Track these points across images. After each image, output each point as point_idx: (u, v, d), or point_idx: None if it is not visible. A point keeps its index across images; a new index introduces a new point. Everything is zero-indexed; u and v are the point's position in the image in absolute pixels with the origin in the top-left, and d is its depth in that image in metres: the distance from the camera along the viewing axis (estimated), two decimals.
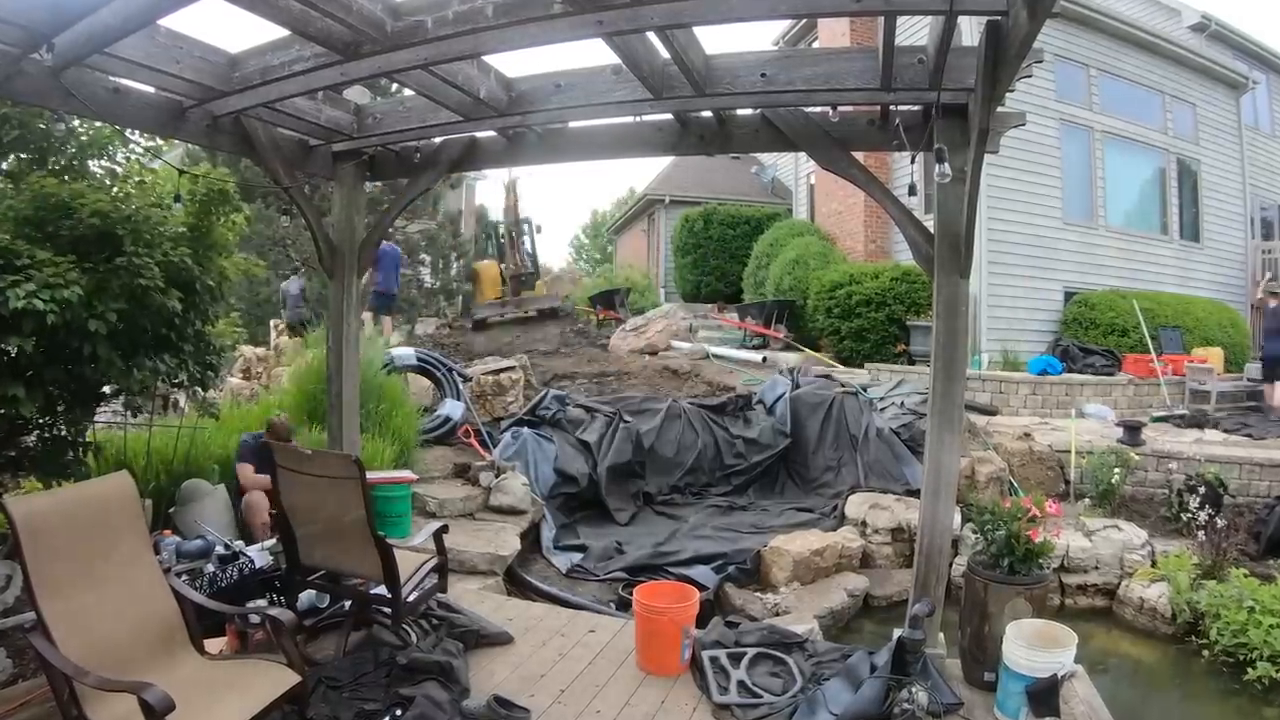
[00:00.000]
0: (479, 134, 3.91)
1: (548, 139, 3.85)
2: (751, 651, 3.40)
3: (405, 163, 4.19)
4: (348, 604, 3.46)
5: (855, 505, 6.40)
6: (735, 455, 7.67)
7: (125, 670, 2.39)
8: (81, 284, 2.93)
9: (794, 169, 16.09)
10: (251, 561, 3.43)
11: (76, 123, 3.58)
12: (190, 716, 2.23)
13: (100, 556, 2.56)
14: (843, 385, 8.24)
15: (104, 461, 3.81)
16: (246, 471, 4.40)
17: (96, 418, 3.84)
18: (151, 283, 3.16)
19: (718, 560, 5.58)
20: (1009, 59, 2.37)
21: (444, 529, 3.67)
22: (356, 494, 3.02)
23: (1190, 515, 5.87)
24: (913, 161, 3.21)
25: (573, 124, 3.81)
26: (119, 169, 3.79)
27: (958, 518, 5.60)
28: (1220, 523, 5.58)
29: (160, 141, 3.71)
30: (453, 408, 7.18)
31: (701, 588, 4.82)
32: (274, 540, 3.53)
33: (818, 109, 3.36)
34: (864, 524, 6.14)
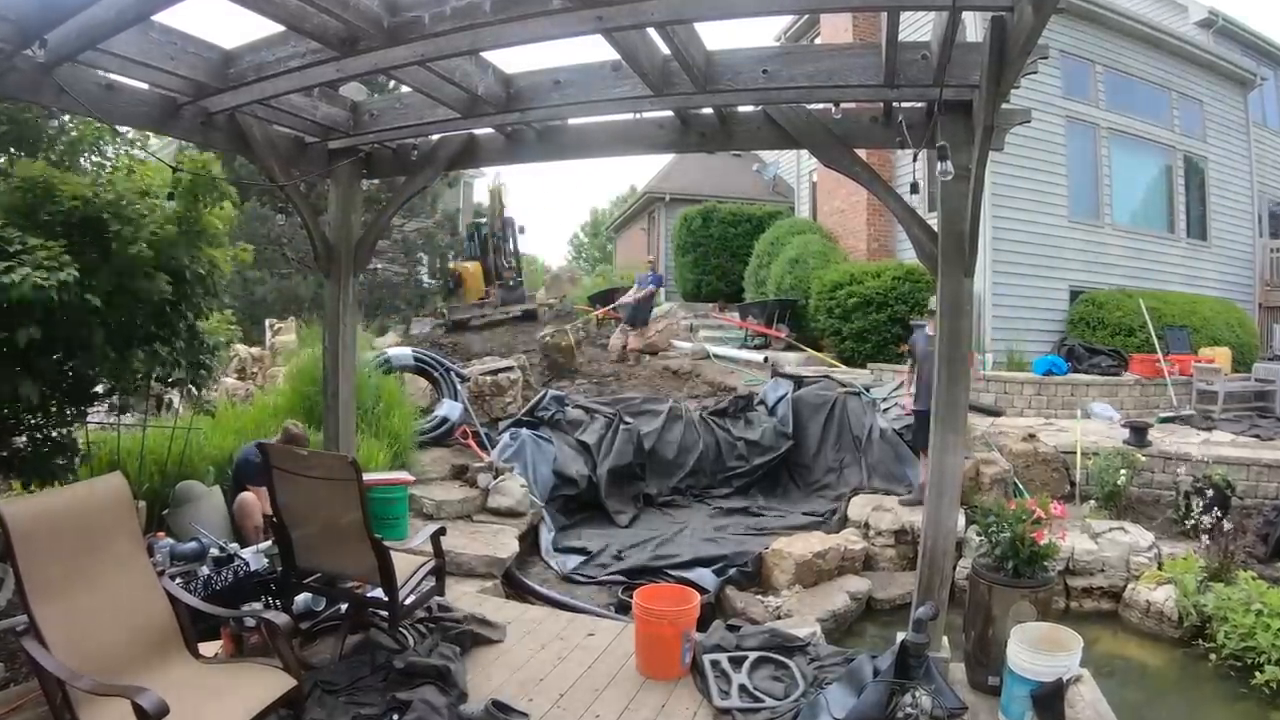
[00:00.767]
0: (477, 131, 3.88)
1: (547, 136, 3.82)
2: (753, 655, 3.38)
3: (402, 160, 4.16)
4: (344, 607, 3.44)
5: (858, 507, 6.36)
6: (737, 457, 7.63)
7: (119, 674, 2.37)
8: (75, 266, 2.91)
9: (796, 166, 16.03)
10: (246, 564, 3.41)
11: (67, 118, 3.55)
12: None
13: (93, 559, 2.54)
14: (843, 385, 8.19)
15: (97, 463, 3.79)
16: (262, 495, 3.89)
17: (89, 418, 3.80)
18: (139, 252, 3.11)
19: (719, 563, 5.55)
20: (1013, 55, 2.35)
21: (441, 531, 3.64)
22: (353, 496, 2.99)
23: (1197, 517, 5.81)
24: (915, 159, 3.18)
25: (572, 121, 3.78)
26: (108, 164, 3.76)
27: (962, 520, 5.56)
28: (1227, 525, 5.54)
29: (154, 138, 3.68)
30: (450, 408, 7.15)
31: (702, 591, 4.78)
32: (269, 543, 3.50)
33: (820, 106, 3.33)
34: (867, 526, 6.10)
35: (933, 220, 3.22)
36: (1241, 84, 12.74)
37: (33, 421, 3.34)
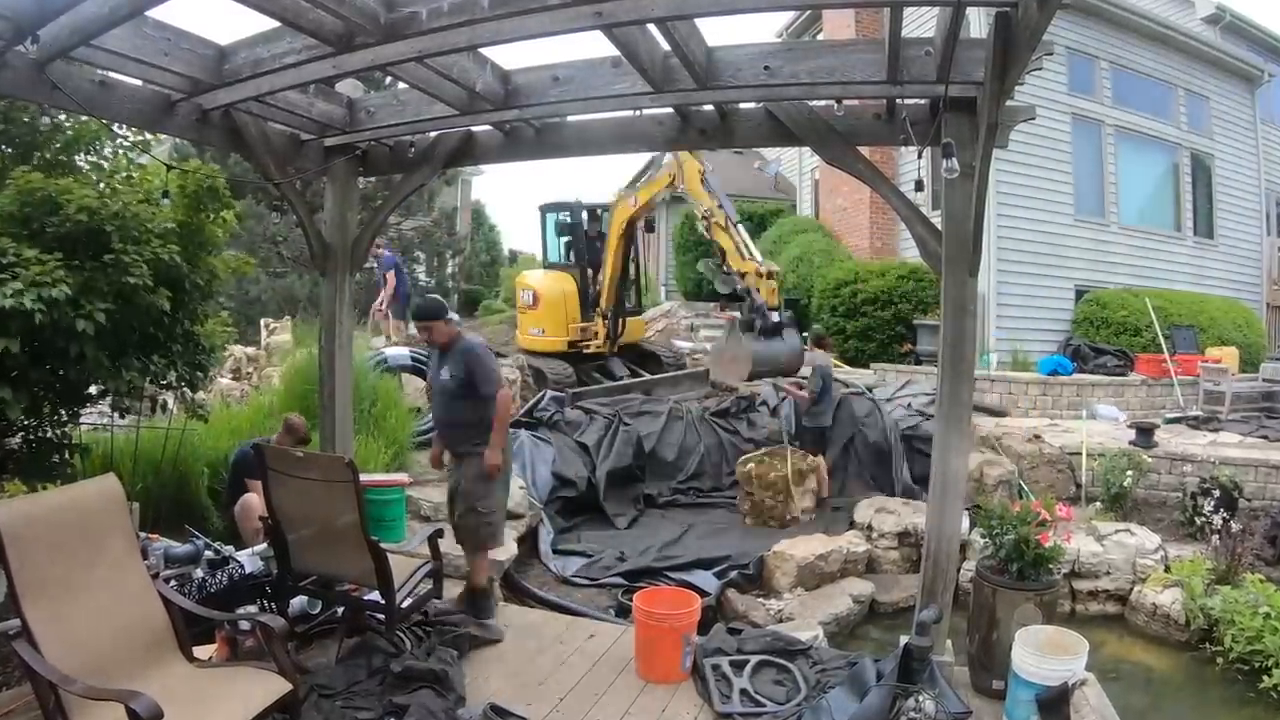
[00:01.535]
0: (475, 128, 3.85)
1: (545, 133, 3.79)
2: (754, 659, 3.35)
3: (399, 158, 4.13)
4: (340, 610, 3.41)
5: (861, 509, 6.32)
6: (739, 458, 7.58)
7: (112, 678, 2.34)
8: (69, 283, 2.88)
9: (798, 164, 15.95)
10: (241, 566, 3.38)
11: (63, 116, 3.53)
12: None
13: (86, 561, 2.52)
14: (847, 385, 8.14)
15: (91, 464, 3.77)
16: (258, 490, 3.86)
17: (83, 419, 3.78)
18: (140, 280, 3.10)
19: (720, 565, 5.51)
20: (1018, 51, 2.33)
21: (439, 534, 3.61)
22: (349, 497, 2.96)
23: (1204, 519, 5.78)
24: (920, 156, 3.14)
25: (571, 118, 3.75)
26: (106, 164, 3.74)
27: (966, 522, 5.52)
28: (1235, 527, 5.50)
29: (149, 136, 3.65)
30: None
31: (703, 593, 4.74)
32: (265, 545, 3.47)
33: (822, 103, 3.32)
34: (870, 528, 6.05)
35: (936, 218, 3.20)
36: (1248, 80, 12.64)
37: (25, 423, 3.31)
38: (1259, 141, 12.83)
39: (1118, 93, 11.07)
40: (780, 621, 4.77)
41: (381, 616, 3.18)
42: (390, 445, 5.79)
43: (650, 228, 9.10)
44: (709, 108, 3.45)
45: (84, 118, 3.51)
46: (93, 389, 3.44)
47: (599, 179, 59.06)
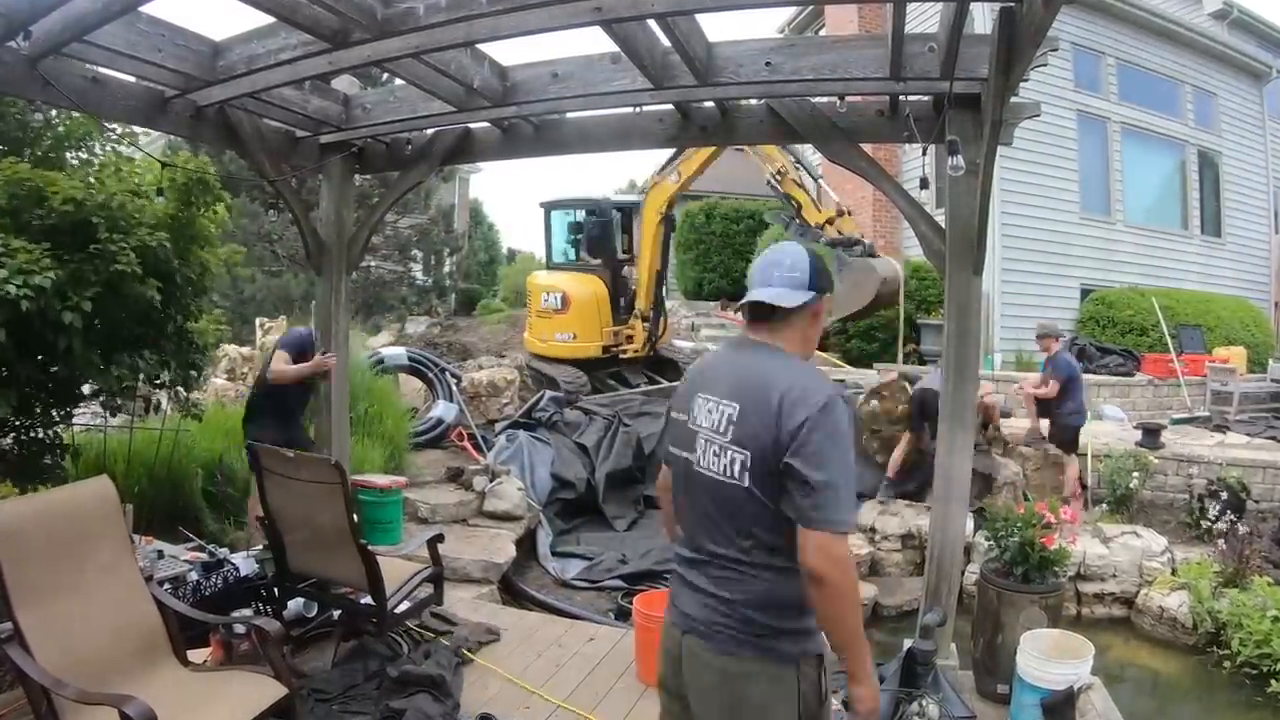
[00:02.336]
0: (473, 125, 3.82)
1: (544, 130, 3.76)
2: None
3: (396, 155, 4.10)
4: (336, 614, 3.38)
5: (864, 510, 6.26)
6: None
7: (106, 682, 2.32)
8: (56, 272, 2.85)
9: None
10: (236, 569, 3.36)
11: (54, 113, 3.50)
12: None
13: (79, 564, 2.50)
14: (846, 385, 8.08)
15: (83, 465, 3.75)
16: (282, 360, 3.89)
17: (75, 419, 3.76)
18: (128, 268, 3.05)
19: None
20: (1023, 47, 2.29)
21: (439, 538, 3.55)
22: (339, 500, 2.93)
23: (1211, 521, 5.72)
24: (923, 154, 3.11)
25: (570, 115, 3.72)
26: (96, 160, 3.71)
27: (970, 523, 5.47)
28: (1243, 529, 5.45)
29: (137, 130, 3.62)
30: (445, 409, 7.03)
31: None
32: (260, 547, 3.45)
33: (824, 99, 3.29)
34: (872, 530, 6.00)
35: (940, 216, 3.18)
36: (1256, 76, 12.53)
37: (16, 423, 3.29)
38: (1267, 139, 12.72)
39: (1124, 89, 10.98)
40: None
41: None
42: (387, 446, 5.76)
43: (672, 225, 8.42)
44: (710, 104, 3.41)
45: (74, 114, 3.48)
46: (84, 388, 3.41)
47: (599, 177, 59.10)
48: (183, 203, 3.53)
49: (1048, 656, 2.84)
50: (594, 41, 2.95)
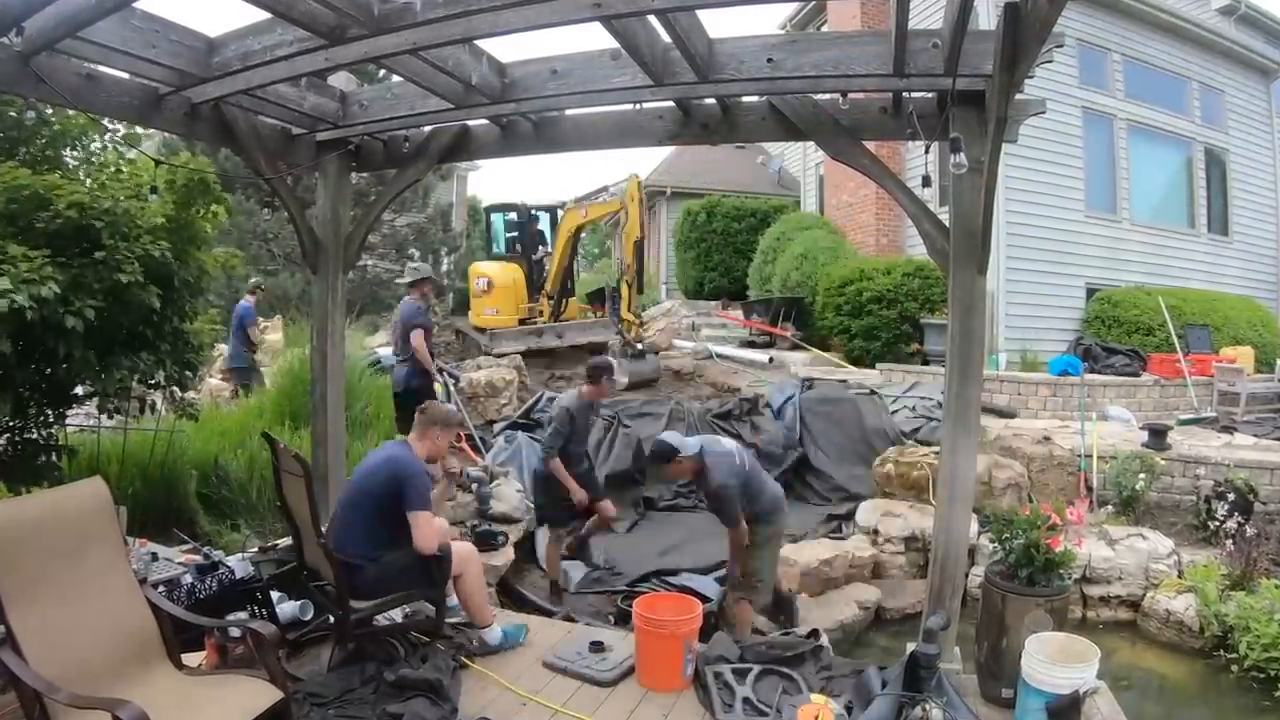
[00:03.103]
0: (471, 122, 3.80)
1: (543, 128, 3.73)
2: (757, 667, 3.28)
3: (393, 153, 4.07)
4: (333, 617, 3.36)
5: (867, 512, 6.21)
6: None
7: (99, 686, 2.31)
8: (58, 279, 2.83)
9: (802, 159, 15.81)
10: (231, 572, 3.33)
11: (49, 111, 3.48)
12: None
13: (72, 566, 2.47)
14: (850, 386, 8.05)
15: (77, 466, 3.73)
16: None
17: (70, 420, 3.74)
18: (132, 278, 3.05)
19: (722, 570, 5.39)
20: (1028, 43, 2.25)
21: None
22: (305, 494, 2.94)
23: (1218, 523, 5.66)
24: (927, 151, 3.08)
25: (570, 112, 3.70)
26: (94, 159, 3.69)
27: (974, 526, 5.43)
28: (1250, 531, 5.39)
29: (139, 130, 3.60)
30: None
31: (704, 599, 4.66)
32: (256, 549, 3.43)
33: (826, 96, 3.26)
34: (876, 532, 5.95)
35: (944, 215, 3.13)
36: (1264, 73, 12.43)
37: (10, 425, 3.27)
38: (1275, 136, 12.62)
39: (1130, 86, 10.89)
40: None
41: (383, 624, 3.14)
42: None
43: (579, 239, 10.72)
44: (711, 101, 3.38)
45: (70, 112, 3.46)
46: (79, 389, 3.40)
47: (598, 175, 59.02)
48: (182, 204, 3.51)
49: (1053, 660, 2.80)
50: (594, 38, 2.91)
